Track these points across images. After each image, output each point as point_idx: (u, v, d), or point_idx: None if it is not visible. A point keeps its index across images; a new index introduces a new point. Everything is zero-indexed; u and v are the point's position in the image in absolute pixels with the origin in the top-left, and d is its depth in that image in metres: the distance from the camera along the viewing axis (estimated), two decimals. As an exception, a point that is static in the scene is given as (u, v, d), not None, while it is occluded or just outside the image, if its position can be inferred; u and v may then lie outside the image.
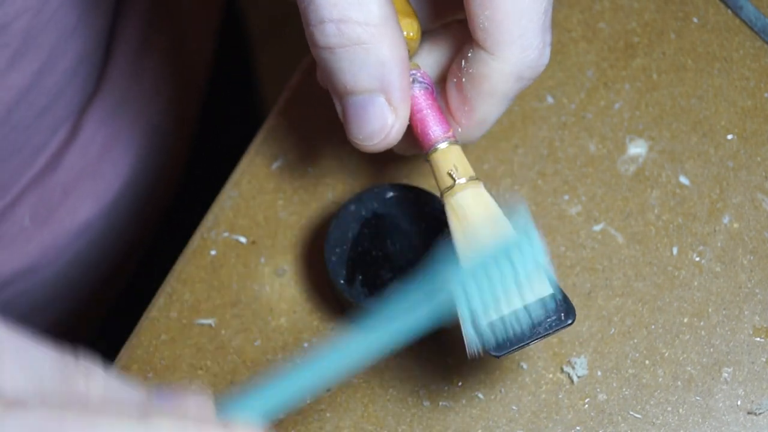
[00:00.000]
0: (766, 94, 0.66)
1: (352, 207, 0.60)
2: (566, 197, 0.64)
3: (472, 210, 0.53)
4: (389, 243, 0.60)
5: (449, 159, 0.54)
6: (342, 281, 0.59)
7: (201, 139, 0.88)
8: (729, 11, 0.67)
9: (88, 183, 0.76)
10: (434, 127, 0.54)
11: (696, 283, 0.62)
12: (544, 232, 0.63)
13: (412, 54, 0.55)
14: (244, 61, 1.01)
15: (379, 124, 0.53)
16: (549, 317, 0.53)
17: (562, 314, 0.53)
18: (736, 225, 0.63)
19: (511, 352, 0.52)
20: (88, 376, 0.45)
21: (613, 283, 0.62)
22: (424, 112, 0.54)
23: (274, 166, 0.65)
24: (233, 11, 0.94)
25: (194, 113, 0.85)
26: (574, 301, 0.62)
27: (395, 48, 0.52)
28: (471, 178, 0.54)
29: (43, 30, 0.67)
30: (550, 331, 0.53)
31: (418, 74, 0.55)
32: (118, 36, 0.75)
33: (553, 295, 0.52)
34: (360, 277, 0.59)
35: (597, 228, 0.63)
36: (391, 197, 0.60)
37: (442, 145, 0.54)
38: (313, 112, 0.66)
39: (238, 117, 0.98)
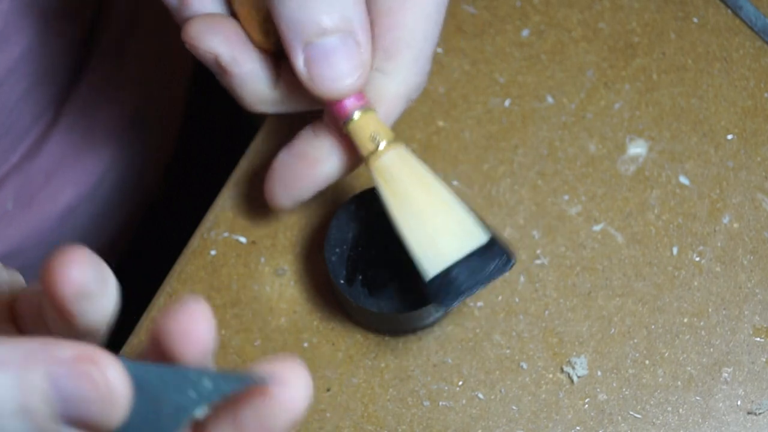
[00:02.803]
0: (766, 94, 0.66)
1: (352, 207, 0.60)
2: (566, 197, 0.64)
3: (399, 170, 0.54)
4: (389, 243, 0.60)
5: (369, 125, 0.54)
6: (342, 281, 0.59)
7: (189, 128, 0.88)
8: (729, 11, 0.67)
9: (70, 168, 0.76)
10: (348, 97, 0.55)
11: (696, 283, 0.62)
12: (544, 232, 0.63)
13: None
14: None
15: (354, 62, 0.53)
16: (492, 263, 0.53)
17: (505, 256, 0.53)
18: (736, 225, 0.63)
19: (458, 302, 0.53)
20: None
21: (613, 283, 0.62)
22: None
23: (274, 166, 0.65)
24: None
25: (180, 101, 0.85)
26: (574, 301, 0.62)
27: None
28: (392, 141, 0.55)
29: (25, 15, 0.67)
30: (494, 277, 0.53)
31: None
32: (103, 20, 0.75)
33: (491, 241, 0.53)
34: (360, 277, 0.59)
35: (597, 228, 0.63)
36: (391, 197, 0.60)
37: (358, 114, 0.54)
38: (313, 111, 0.66)
39: (227, 107, 0.98)
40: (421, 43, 0.55)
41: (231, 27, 0.55)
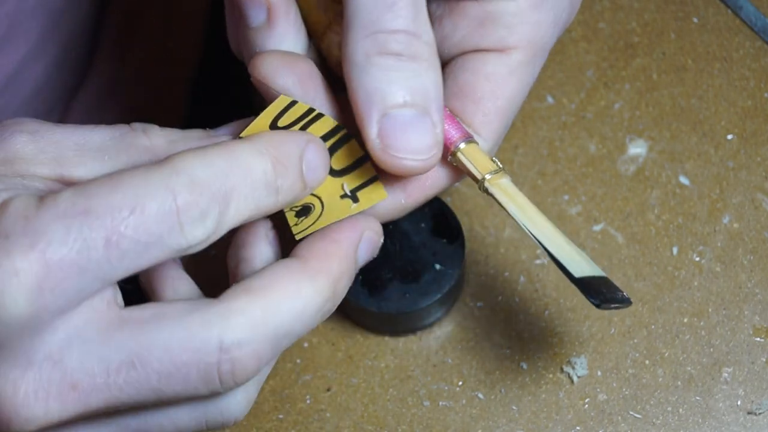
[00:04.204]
0: (766, 94, 0.66)
1: (352, 207, 0.60)
2: (566, 197, 0.64)
3: (518, 193, 0.54)
4: (389, 243, 0.60)
5: (479, 151, 0.54)
6: (342, 281, 0.59)
7: (190, 126, 0.89)
8: (729, 11, 0.67)
9: None
10: (456, 127, 0.54)
11: (696, 283, 0.62)
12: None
13: None
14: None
15: (430, 139, 0.52)
16: (618, 292, 0.52)
17: (624, 293, 0.52)
18: (736, 225, 0.63)
19: (608, 307, 0.52)
20: (146, 131, 0.50)
21: (613, 283, 0.62)
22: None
23: (274, 166, 0.65)
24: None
25: (182, 102, 0.85)
26: (574, 301, 0.62)
27: (440, 72, 0.53)
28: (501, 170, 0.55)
29: (30, 16, 0.67)
30: (621, 304, 0.52)
31: None
32: (104, 23, 0.75)
33: (606, 277, 0.52)
34: (360, 277, 0.59)
35: (597, 228, 0.63)
36: (391, 197, 0.60)
37: (464, 144, 0.54)
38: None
39: (229, 109, 0.98)
40: (515, 113, 0.55)
41: (306, 68, 0.54)
